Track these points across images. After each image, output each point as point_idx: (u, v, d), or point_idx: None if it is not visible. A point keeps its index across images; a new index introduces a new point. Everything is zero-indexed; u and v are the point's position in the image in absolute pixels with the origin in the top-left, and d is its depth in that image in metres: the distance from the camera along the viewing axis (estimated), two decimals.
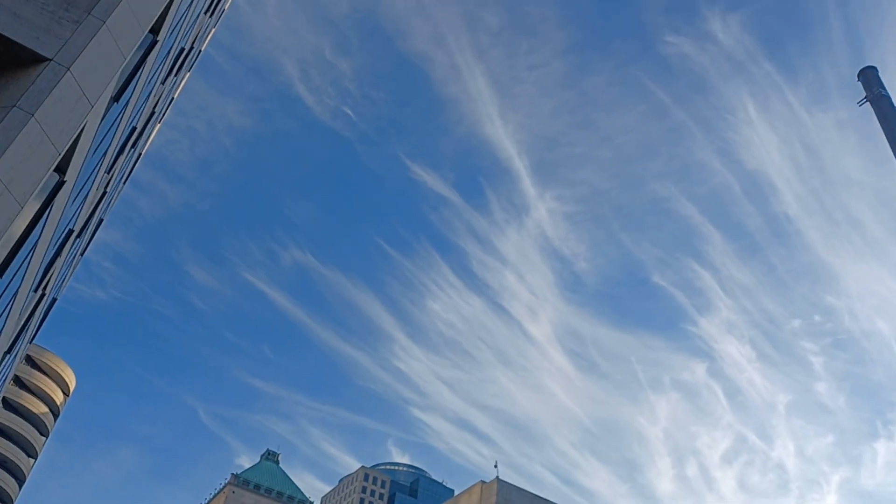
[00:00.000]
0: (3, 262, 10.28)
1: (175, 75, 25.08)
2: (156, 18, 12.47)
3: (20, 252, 10.85)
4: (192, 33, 22.64)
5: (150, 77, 16.28)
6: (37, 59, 9.94)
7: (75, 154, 11.32)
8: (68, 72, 9.99)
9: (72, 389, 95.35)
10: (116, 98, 12.72)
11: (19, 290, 13.65)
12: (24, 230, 10.66)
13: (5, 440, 79.66)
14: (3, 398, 75.81)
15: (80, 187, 14.97)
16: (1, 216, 9.06)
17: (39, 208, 10.97)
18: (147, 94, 18.12)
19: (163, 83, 21.38)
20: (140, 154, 31.91)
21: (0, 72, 10.04)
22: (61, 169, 11.19)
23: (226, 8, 37.14)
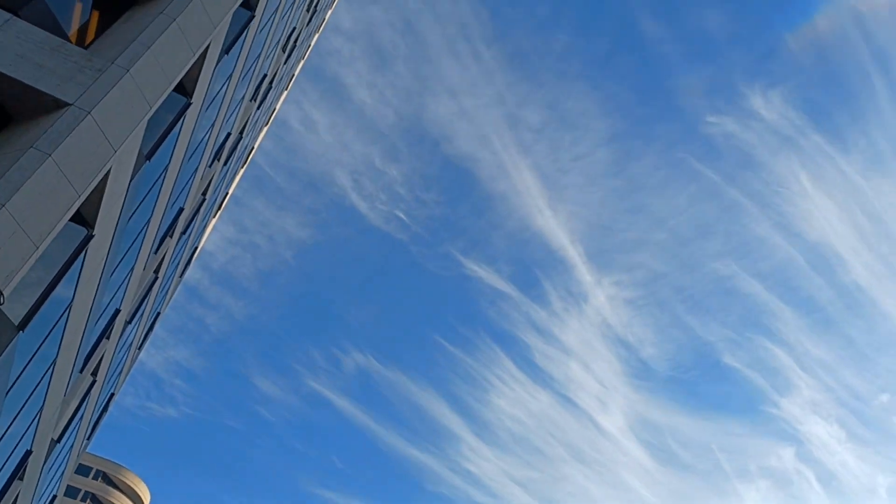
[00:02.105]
0: (26, 314, 9.89)
1: (224, 164, 25.56)
2: (183, 74, 12.47)
3: (46, 307, 10.46)
4: (238, 118, 23.13)
5: (190, 148, 16.36)
6: (58, 105, 9.86)
7: (102, 208, 11.09)
8: (89, 115, 9.86)
9: None
10: (148, 156, 12.62)
11: (56, 360, 13.27)
12: (50, 282, 10.32)
13: None
14: None
15: (120, 260, 14.81)
16: (14, 256, 8.70)
17: (66, 261, 10.66)
18: (192, 169, 18.26)
19: (210, 166, 21.68)
20: (196, 248, 32.40)
21: (22, 119, 9.99)
22: (87, 222, 10.94)
23: (277, 107, 38.42)
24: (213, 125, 18.20)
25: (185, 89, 13.63)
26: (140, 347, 29.03)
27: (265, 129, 37.40)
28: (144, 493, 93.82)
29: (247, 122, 26.40)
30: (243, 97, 21.87)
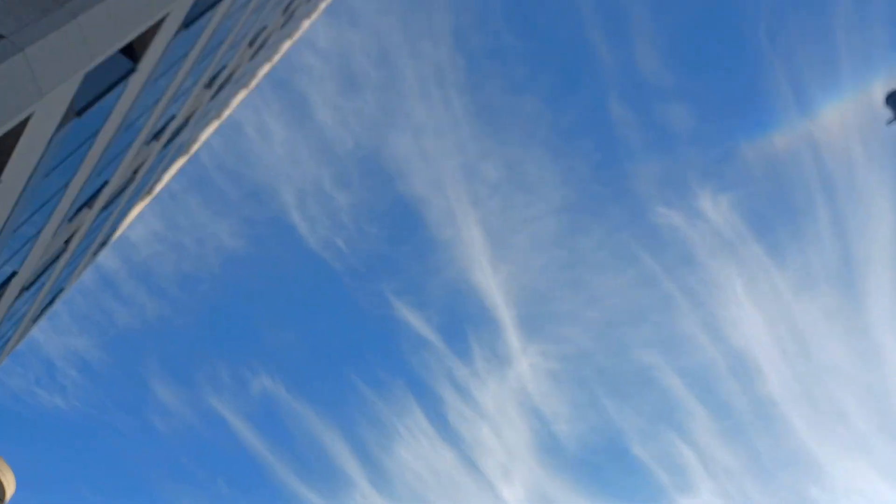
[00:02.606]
0: None
1: (164, 147, 24.61)
2: (135, 36, 11.86)
3: None
4: (188, 103, 22.35)
5: (128, 118, 15.58)
6: None
7: (15, 155, 10.28)
8: (21, 52, 9.16)
9: (8, 496, 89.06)
10: (79, 113, 11.87)
11: None
12: None
13: None
14: None
15: (27, 218, 13.83)
16: None
17: None
18: (126, 142, 17.40)
19: (147, 143, 20.78)
20: (116, 230, 30.97)
21: None
22: None
23: (232, 104, 37.59)
24: (157, 101, 17.45)
25: (133, 53, 12.98)
26: (35, 321, 27.27)
27: (215, 123, 36.42)
28: (9, 482, 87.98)
29: (196, 110, 25.58)
30: (197, 82, 21.16)
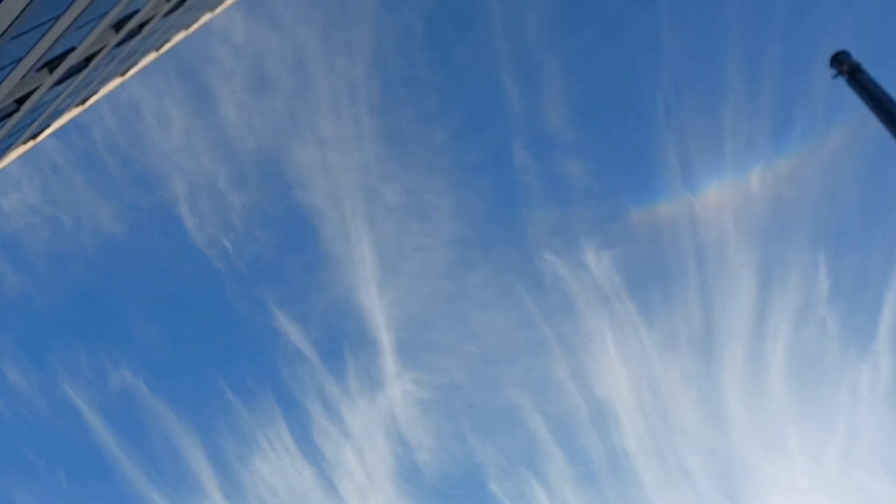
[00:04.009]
0: None
1: (56, 84, 22.99)
2: None
3: None
4: (91, 39, 20.99)
5: (16, 27, 14.35)
6: None
7: None
8: None
9: None
10: None
11: None
12: None
13: None
14: None
15: None
16: None
17: None
18: (13, 57, 16.04)
19: (37, 70, 19.30)
20: None
21: None
22: None
23: (139, 65, 35.88)
24: (55, 19, 16.22)
25: None
26: None
27: (118, 80, 34.54)
28: None
29: (100, 52, 24.11)
30: (103, 17, 19.95)
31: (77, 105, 31.89)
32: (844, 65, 14.22)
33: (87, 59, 23.78)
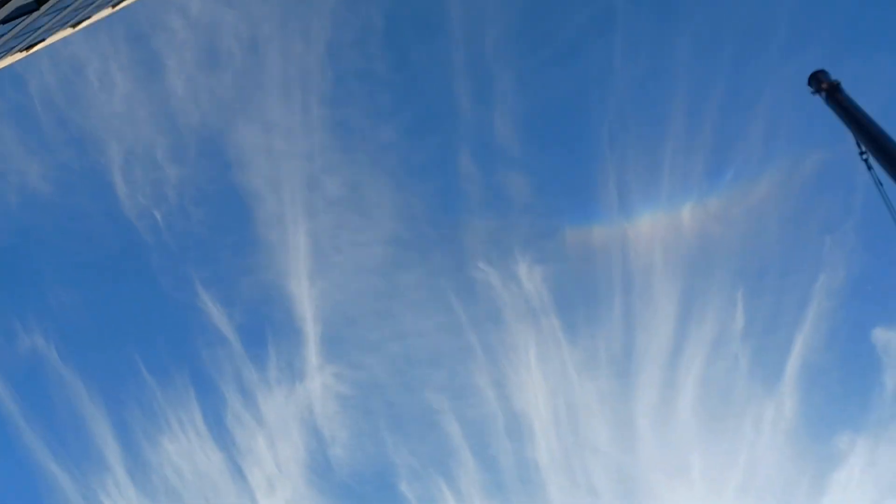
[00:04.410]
0: None
1: (1, 22, 22.24)
2: None
3: None
4: None
5: None
6: None
7: None
8: None
9: None
10: None
11: None
12: None
13: None
14: None
15: None
16: None
17: None
18: None
19: None
20: None
21: None
22: None
23: (89, 20, 34.94)
24: None
25: None
26: None
27: (68, 30, 33.47)
28: None
29: None
30: None
31: (21, 50, 30.83)
32: (823, 83, 14.86)
33: (39, 1, 23.11)
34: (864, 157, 14.01)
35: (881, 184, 13.46)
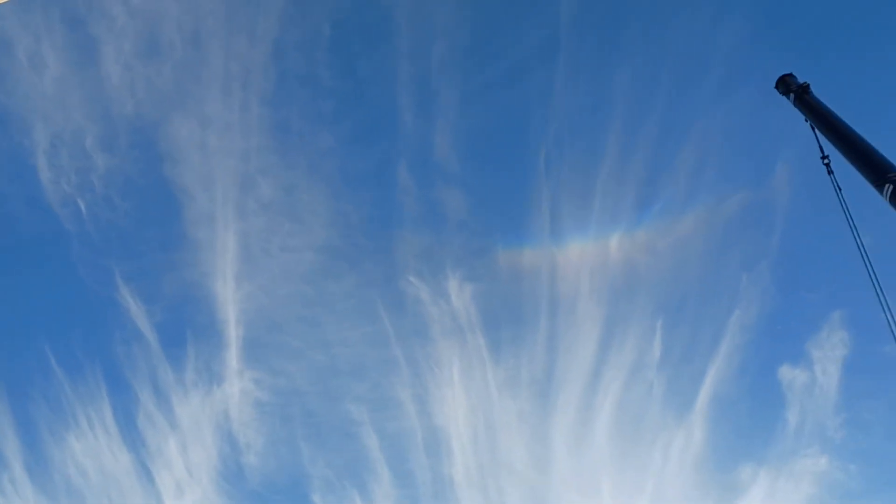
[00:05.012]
0: None
1: None
2: None
3: None
4: None
5: None
6: None
7: None
8: None
9: None
10: None
11: None
12: None
13: None
14: None
15: None
16: None
17: None
18: None
19: None
20: None
21: None
22: None
23: None
24: None
25: None
26: None
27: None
28: None
29: None
30: None
31: None
32: (791, 86, 14.98)
33: None
34: (826, 161, 14.08)
35: (840, 189, 13.75)
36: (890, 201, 10.84)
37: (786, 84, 15.18)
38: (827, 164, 14.04)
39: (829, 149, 13.83)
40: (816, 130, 14.25)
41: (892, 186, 10.87)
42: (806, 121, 14.63)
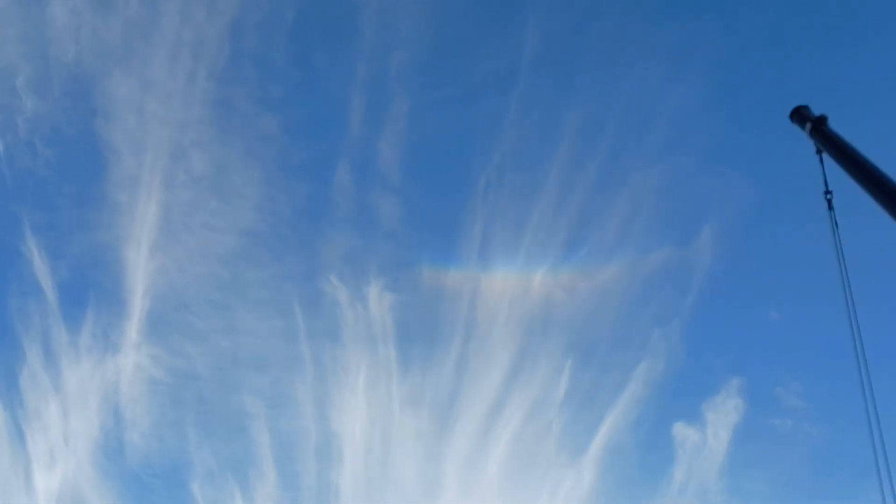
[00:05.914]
0: None
1: None
2: None
3: None
4: None
5: None
6: None
7: None
8: None
9: None
10: None
11: None
12: None
13: None
14: None
15: None
16: None
17: None
18: None
19: None
20: None
21: None
22: None
23: None
24: None
25: None
26: None
27: None
28: None
29: None
30: None
31: None
32: (807, 119, 14.59)
33: None
34: (829, 196, 13.83)
35: (837, 225, 13.57)
36: None
37: (801, 115, 14.82)
38: (829, 200, 13.82)
39: (838, 182, 13.43)
40: (824, 164, 13.97)
41: None
42: (817, 153, 14.29)
